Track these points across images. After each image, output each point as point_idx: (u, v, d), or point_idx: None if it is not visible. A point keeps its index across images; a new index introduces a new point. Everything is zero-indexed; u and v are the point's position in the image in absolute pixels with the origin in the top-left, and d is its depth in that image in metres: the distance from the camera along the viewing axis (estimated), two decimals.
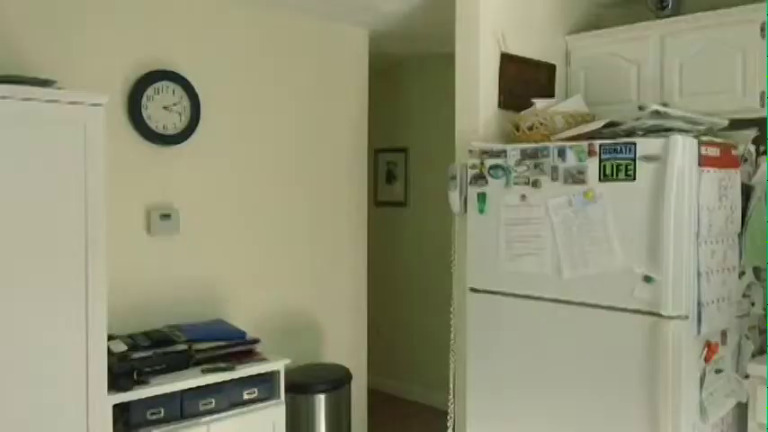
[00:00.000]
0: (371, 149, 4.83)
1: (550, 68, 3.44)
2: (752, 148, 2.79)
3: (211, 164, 3.52)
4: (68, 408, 2.55)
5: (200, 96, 3.43)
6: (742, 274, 2.76)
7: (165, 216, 3.31)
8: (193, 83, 3.40)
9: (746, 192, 2.74)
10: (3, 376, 2.40)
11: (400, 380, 5.44)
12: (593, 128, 2.73)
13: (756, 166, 2.78)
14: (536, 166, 2.77)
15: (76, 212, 2.53)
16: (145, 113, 3.25)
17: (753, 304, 2.85)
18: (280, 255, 3.85)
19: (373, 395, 4.65)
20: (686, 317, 2.44)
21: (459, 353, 3.19)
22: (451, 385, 3.23)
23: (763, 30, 2.86)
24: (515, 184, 2.83)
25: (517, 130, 3.03)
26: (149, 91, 3.26)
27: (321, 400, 3.59)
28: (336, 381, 3.68)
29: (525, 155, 2.80)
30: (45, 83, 2.54)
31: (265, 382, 3.17)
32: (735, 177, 2.67)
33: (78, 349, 2.56)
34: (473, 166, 2.98)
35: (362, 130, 4.32)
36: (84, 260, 2.55)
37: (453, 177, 3.10)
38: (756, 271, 2.87)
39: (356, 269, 4.30)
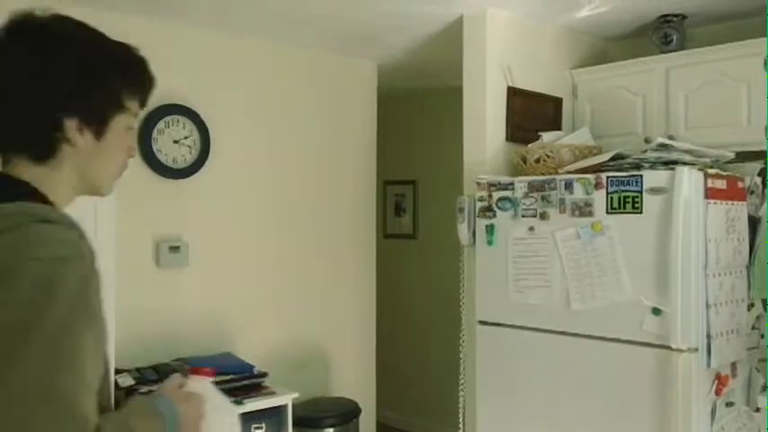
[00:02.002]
0: (380, 181, 4.85)
1: (557, 101, 3.47)
2: (758, 180, 2.80)
3: (221, 197, 3.55)
4: None
5: (209, 130, 3.47)
6: (751, 306, 2.75)
7: (174, 248, 3.33)
8: (203, 116, 3.45)
9: (753, 224, 2.74)
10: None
11: (409, 413, 5.40)
12: (600, 160, 2.74)
13: (763, 198, 2.78)
14: (543, 198, 2.78)
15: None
16: (155, 147, 3.29)
17: (762, 336, 2.83)
18: (288, 287, 3.85)
19: (382, 429, 4.61)
20: (696, 349, 2.42)
21: (468, 385, 3.17)
22: (461, 418, 3.21)
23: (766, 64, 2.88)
24: (523, 216, 2.84)
25: (524, 162, 3.05)
26: (160, 124, 3.30)
27: None
28: (345, 415, 3.66)
29: (533, 187, 2.82)
30: None
31: (273, 417, 3.16)
32: (742, 209, 2.67)
33: None
34: (481, 199, 3.00)
35: (371, 162, 4.35)
36: None
37: (461, 209, 3.11)
38: (765, 303, 2.86)
39: (365, 302, 4.30)
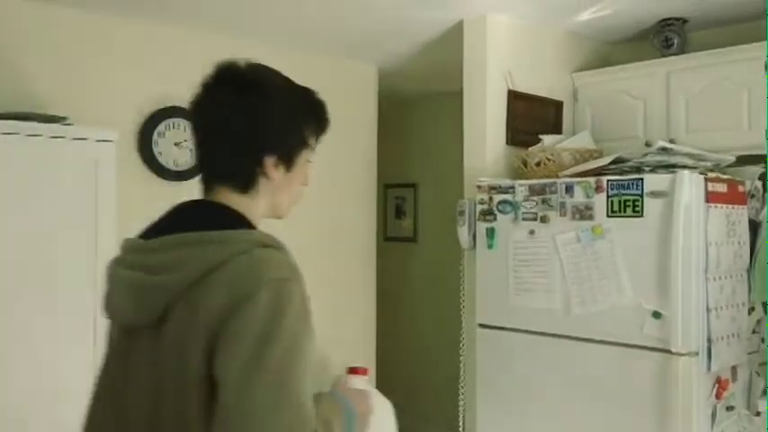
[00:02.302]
0: (381, 184, 4.85)
1: (558, 105, 3.47)
2: (759, 184, 2.80)
3: None
4: (76, 423, 2.54)
5: None
6: (752, 310, 2.75)
7: None
8: None
9: (754, 228, 2.74)
10: (11, 389, 2.41)
11: (410, 417, 5.38)
12: (601, 164, 2.75)
13: (764, 202, 2.78)
14: (544, 201, 2.78)
15: (89, 245, 2.57)
16: (156, 150, 3.29)
17: (763, 340, 2.83)
18: None
19: None
20: (696, 353, 2.42)
21: (468, 388, 3.17)
22: (461, 422, 3.21)
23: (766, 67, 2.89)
24: (524, 219, 2.84)
25: (525, 166, 3.06)
26: (160, 127, 3.31)
27: None
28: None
29: (533, 191, 2.82)
30: (53, 119, 2.59)
31: None
32: (742, 213, 2.67)
33: (87, 367, 2.57)
34: (482, 202, 3.00)
35: (372, 165, 4.35)
36: (93, 292, 2.57)
37: (462, 213, 3.11)
38: (766, 307, 2.86)
39: (365, 305, 4.30)
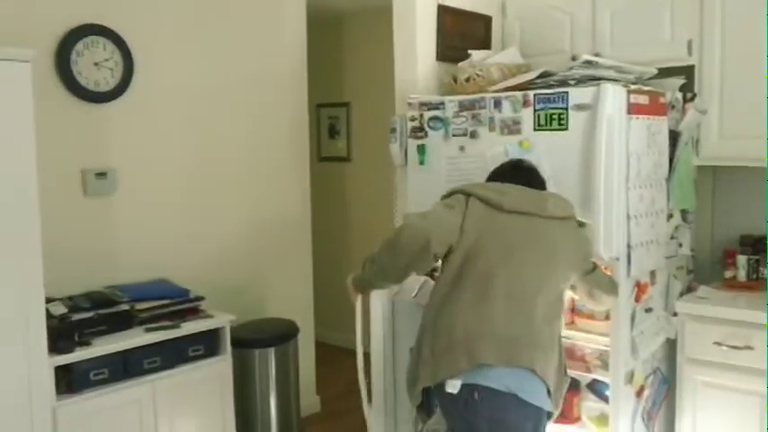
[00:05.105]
0: (313, 104, 4.80)
1: (487, 20, 3.45)
2: (679, 95, 2.88)
3: (147, 121, 3.45)
4: (8, 370, 2.52)
5: (132, 51, 3.35)
6: (670, 216, 2.87)
7: (101, 175, 3.24)
8: (125, 37, 3.32)
9: (674, 138, 2.84)
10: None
11: (347, 332, 5.50)
12: (528, 78, 2.77)
13: (683, 112, 2.87)
14: (474, 117, 2.80)
15: (7, 171, 2.48)
16: (75, 70, 3.15)
17: (680, 245, 2.97)
18: (221, 212, 3.82)
19: (321, 348, 4.71)
20: (617, 259, 2.53)
21: None
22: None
23: None
24: (454, 135, 2.87)
25: (455, 81, 3.06)
26: (78, 46, 3.16)
27: (268, 354, 3.62)
28: (283, 335, 3.72)
29: (463, 106, 2.83)
30: None
31: (211, 339, 3.19)
32: (662, 124, 2.75)
33: (15, 310, 2.52)
34: (412, 119, 3.00)
35: (302, 85, 4.29)
36: (16, 219, 2.50)
37: (394, 130, 3.11)
38: (683, 213, 2.99)
39: (300, 224, 4.31)
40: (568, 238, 2.30)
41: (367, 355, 2.73)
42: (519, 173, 2.37)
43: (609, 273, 2.50)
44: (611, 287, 2.45)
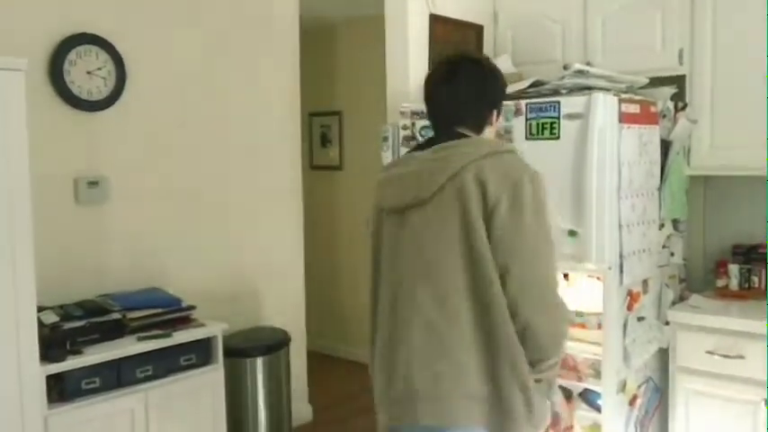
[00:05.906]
0: (305, 113, 4.80)
1: (479, 29, 3.47)
2: (670, 104, 2.90)
3: (140, 130, 3.45)
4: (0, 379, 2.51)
5: (124, 60, 3.35)
6: (662, 226, 2.89)
7: (93, 184, 3.24)
8: (117, 46, 3.32)
9: (665, 147, 2.85)
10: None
11: (339, 340, 5.51)
12: (520, 87, 2.78)
13: (674, 122, 2.89)
14: None
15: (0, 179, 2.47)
16: (68, 79, 3.15)
17: (672, 254, 2.99)
18: (214, 220, 3.82)
19: (313, 357, 4.70)
20: (609, 268, 2.54)
21: None
22: None
23: None
24: None
25: None
26: (71, 55, 3.16)
27: (259, 363, 3.61)
28: (275, 344, 3.71)
29: None
30: None
31: (203, 348, 3.18)
32: (654, 133, 2.77)
33: (6, 319, 2.51)
34: (405, 127, 3.01)
35: (295, 94, 4.29)
36: (8, 227, 2.49)
37: (386, 138, 3.12)
38: (675, 223, 3.01)
39: (293, 233, 4.31)
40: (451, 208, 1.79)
41: None
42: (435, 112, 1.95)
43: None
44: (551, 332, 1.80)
